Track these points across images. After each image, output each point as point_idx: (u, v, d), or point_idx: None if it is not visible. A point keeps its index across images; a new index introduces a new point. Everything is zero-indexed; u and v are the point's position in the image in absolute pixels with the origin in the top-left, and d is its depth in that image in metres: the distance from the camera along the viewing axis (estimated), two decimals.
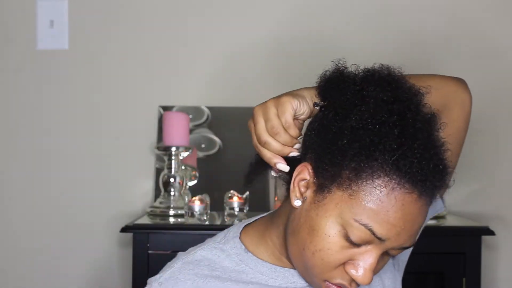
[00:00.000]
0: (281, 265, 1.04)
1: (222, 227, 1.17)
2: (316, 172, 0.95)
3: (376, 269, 0.95)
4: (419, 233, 0.96)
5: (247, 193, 1.87)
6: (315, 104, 0.99)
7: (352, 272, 0.94)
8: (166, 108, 2.17)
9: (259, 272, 1.03)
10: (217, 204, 1.95)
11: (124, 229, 1.81)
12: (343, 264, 0.94)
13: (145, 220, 1.90)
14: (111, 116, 2.19)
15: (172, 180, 1.95)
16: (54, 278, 2.16)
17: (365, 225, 0.90)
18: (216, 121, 2.18)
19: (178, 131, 1.96)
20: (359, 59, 1.01)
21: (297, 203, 0.97)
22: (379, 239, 0.91)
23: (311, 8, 2.19)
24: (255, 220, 1.10)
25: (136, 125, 2.19)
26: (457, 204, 2.13)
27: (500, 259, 2.15)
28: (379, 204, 0.90)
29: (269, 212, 1.12)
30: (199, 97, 2.19)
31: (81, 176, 2.17)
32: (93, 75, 2.20)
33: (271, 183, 2.00)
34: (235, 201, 1.88)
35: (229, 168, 2.13)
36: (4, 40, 2.19)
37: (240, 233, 1.07)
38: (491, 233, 1.84)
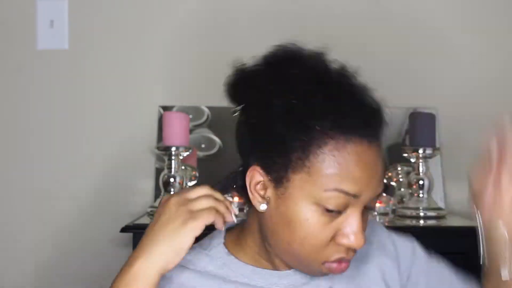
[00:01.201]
0: (262, 267, 1.04)
1: None
2: (267, 169, 0.95)
3: (363, 227, 0.96)
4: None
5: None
6: (233, 112, 1.00)
7: (344, 241, 0.94)
8: (166, 108, 2.17)
9: (241, 274, 1.03)
10: None
11: (124, 229, 1.81)
12: (333, 239, 0.94)
13: (145, 220, 1.90)
14: (111, 116, 2.19)
15: (172, 180, 1.95)
16: (53, 278, 2.16)
17: (336, 190, 0.91)
18: (216, 121, 2.18)
19: (178, 131, 1.95)
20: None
21: (263, 207, 0.97)
22: (354, 196, 0.92)
23: (312, 12, 2.19)
24: (232, 227, 1.10)
25: (136, 125, 2.19)
26: (457, 204, 2.12)
27: None
28: (338, 166, 0.91)
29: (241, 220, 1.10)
30: (199, 97, 2.19)
31: (81, 176, 2.17)
32: (93, 75, 2.20)
33: None
34: (235, 201, 1.87)
35: (229, 168, 2.11)
36: (4, 40, 2.19)
37: (224, 238, 1.07)
38: None
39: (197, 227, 0.93)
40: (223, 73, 2.31)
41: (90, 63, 2.20)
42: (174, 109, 2.17)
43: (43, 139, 2.19)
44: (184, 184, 1.97)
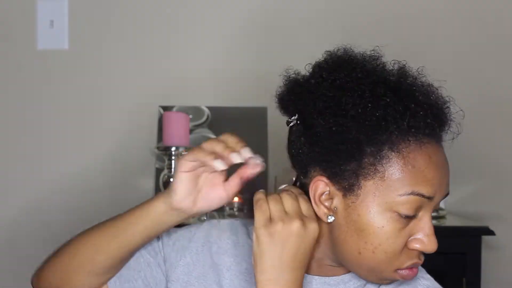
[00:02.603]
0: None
1: None
2: (334, 178, 0.92)
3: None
4: None
5: None
6: (288, 122, 0.98)
7: (418, 246, 0.92)
8: (166, 108, 2.17)
9: None
10: None
11: None
12: (406, 245, 0.92)
13: None
14: (111, 116, 2.19)
15: (172, 180, 1.94)
16: None
17: (412, 193, 0.90)
18: (216, 121, 2.18)
19: (178, 131, 1.96)
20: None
21: (330, 219, 0.94)
22: (429, 198, 0.91)
23: (314, 13, 2.20)
24: None
25: (136, 125, 2.19)
26: (457, 204, 2.13)
27: (500, 259, 2.14)
28: (412, 169, 0.90)
29: None
30: (199, 97, 2.19)
31: (81, 176, 2.17)
32: (93, 75, 2.20)
33: (271, 184, 2.00)
34: (235, 201, 1.87)
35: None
36: (4, 40, 2.19)
37: None
38: (491, 233, 1.84)
39: (178, 164, 0.94)
40: (224, 73, 2.33)
41: (90, 63, 2.20)
42: (174, 109, 2.17)
43: (43, 139, 2.19)
44: None
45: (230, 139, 0.93)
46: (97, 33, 2.20)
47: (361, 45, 0.98)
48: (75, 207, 2.17)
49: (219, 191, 0.96)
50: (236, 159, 0.93)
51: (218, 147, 0.92)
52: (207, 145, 0.93)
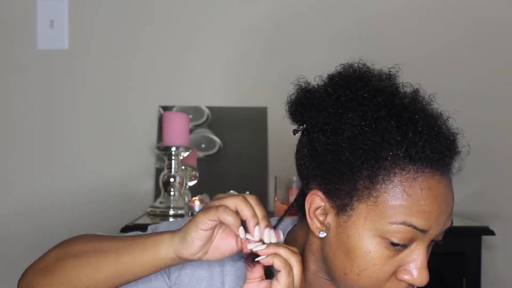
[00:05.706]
0: None
1: None
2: (329, 195, 0.90)
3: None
4: None
5: (247, 193, 1.87)
6: (294, 132, 0.96)
7: (407, 278, 0.89)
8: (166, 108, 2.17)
9: None
10: None
11: (124, 229, 1.81)
12: (394, 274, 0.90)
13: (145, 220, 1.90)
14: (111, 116, 2.19)
15: (172, 180, 1.95)
16: None
17: (403, 223, 0.87)
18: (216, 121, 2.18)
19: (178, 131, 1.95)
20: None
21: (322, 234, 0.92)
22: (422, 231, 0.87)
23: (314, 13, 2.20)
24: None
25: (136, 125, 2.19)
26: (457, 204, 2.12)
27: (500, 259, 2.15)
28: (407, 198, 0.86)
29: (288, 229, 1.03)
30: (199, 97, 2.19)
31: (81, 176, 2.17)
32: (93, 75, 2.20)
33: (271, 184, 2.00)
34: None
35: (229, 168, 2.13)
36: (4, 40, 2.19)
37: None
38: (491, 233, 1.84)
39: (199, 221, 0.88)
40: (224, 73, 2.33)
41: (90, 63, 2.20)
42: (174, 109, 2.17)
43: (42, 139, 2.19)
44: (184, 184, 1.97)
45: (258, 209, 0.90)
46: (97, 33, 2.20)
47: (360, 49, 0.97)
48: (74, 205, 2.17)
49: (231, 242, 0.91)
50: (260, 236, 0.88)
51: (246, 212, 0.89)
52: (230, 203, 0.89)
